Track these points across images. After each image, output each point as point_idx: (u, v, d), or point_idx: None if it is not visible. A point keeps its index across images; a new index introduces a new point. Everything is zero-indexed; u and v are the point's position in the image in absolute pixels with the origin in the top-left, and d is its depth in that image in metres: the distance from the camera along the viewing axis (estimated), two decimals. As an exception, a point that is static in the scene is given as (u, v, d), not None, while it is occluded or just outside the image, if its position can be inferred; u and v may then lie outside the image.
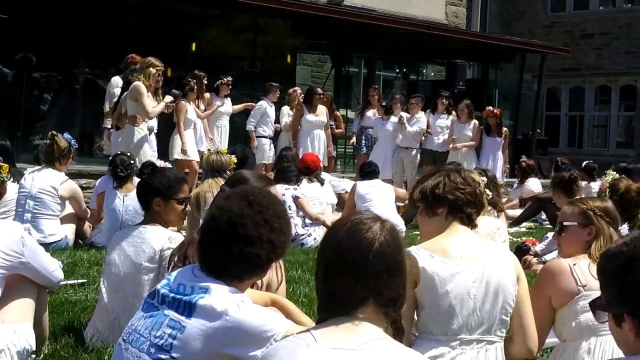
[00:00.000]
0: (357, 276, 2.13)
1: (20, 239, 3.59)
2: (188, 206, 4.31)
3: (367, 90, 13.82)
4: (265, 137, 11.87)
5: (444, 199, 3.16)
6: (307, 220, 8.29)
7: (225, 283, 2.53)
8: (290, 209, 7.97)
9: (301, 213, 8.27)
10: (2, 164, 4.22)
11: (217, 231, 2.58)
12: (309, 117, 11.80)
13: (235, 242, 2.54)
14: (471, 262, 3.01)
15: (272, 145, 11.96)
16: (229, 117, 11.55)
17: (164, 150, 10.06)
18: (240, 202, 2.60)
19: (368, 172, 9.29)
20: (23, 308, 3.66)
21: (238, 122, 12.57)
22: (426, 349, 2.93)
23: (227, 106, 11.50)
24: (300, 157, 9.50)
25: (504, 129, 12.95)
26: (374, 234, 2.18)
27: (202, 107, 10.87)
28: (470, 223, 3.19)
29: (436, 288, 2.96)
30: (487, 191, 4.99)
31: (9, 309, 3.59)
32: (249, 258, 2.56)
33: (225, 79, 11.31)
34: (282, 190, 7.95)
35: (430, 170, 12.27)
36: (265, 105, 11.88)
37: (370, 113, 12.79)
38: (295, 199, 8.22)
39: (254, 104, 11.91)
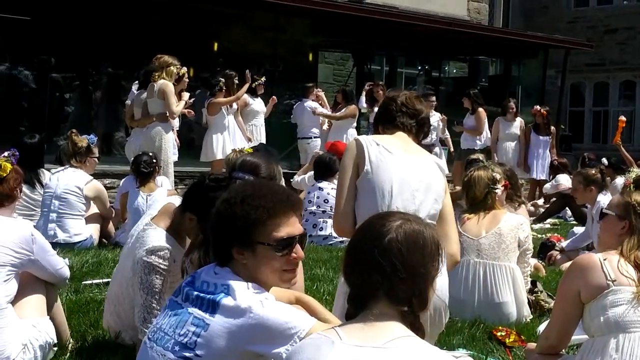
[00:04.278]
0: (365, 270, 2.13)
1: (31, 236, 3.60)
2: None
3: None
4: (318, 137, 12.15)
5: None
6: None
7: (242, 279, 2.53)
8: (327, 203, 7.91)
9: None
10: (5, 162, 3.87)
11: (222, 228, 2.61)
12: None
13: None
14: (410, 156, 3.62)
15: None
16: (264, 116, 11.61)
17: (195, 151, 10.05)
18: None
19: None
20: (38, 303, 3.68)
21: (273, 122, 12.66)
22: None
23: (261, 104, 11.57)
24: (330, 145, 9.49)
25: (552, 127, 13.11)
26: (387, 230, 2.15)
27: (235, 106, 10.81)
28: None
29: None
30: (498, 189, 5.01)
31: (24, 306, 3.61)
32: None
33: (262, 79, 11.48)
34: (329, 189, 7.96)
35: (460, 167, 12.22)
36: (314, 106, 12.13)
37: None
38: None
39: (275, 98, 12.00)
